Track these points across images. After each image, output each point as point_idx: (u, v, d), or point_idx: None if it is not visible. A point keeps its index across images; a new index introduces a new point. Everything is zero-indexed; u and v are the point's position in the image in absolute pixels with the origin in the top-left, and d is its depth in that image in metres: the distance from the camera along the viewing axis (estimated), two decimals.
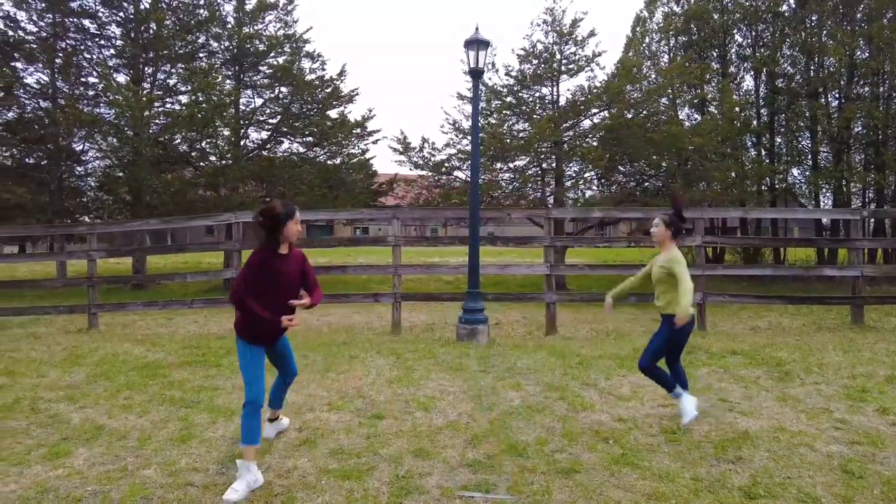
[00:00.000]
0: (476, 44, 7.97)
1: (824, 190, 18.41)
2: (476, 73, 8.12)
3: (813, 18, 18.20)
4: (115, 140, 15.02)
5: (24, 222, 14.38)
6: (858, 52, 17.85)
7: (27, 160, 16.42)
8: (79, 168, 16.19)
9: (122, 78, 16.35)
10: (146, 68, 16.40)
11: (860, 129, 18.07)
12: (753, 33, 19.35)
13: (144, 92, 15.36)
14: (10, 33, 15.66)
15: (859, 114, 17.15)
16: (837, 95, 18.14)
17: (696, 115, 19.43)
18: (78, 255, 9.76)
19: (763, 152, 18.87)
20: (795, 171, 19.79)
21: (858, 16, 17.75)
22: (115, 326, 9.59)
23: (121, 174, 14.98)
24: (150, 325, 9.94)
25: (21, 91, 15.61)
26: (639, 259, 23.73)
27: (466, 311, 7.86)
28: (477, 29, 8.05)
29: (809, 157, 18.59)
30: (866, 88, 18.42)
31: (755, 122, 18.83)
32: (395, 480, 3.31)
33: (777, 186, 18.08)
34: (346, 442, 3.94)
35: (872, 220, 18.59)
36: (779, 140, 19.11)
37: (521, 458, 3.61)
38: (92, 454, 3.75)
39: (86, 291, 9.05)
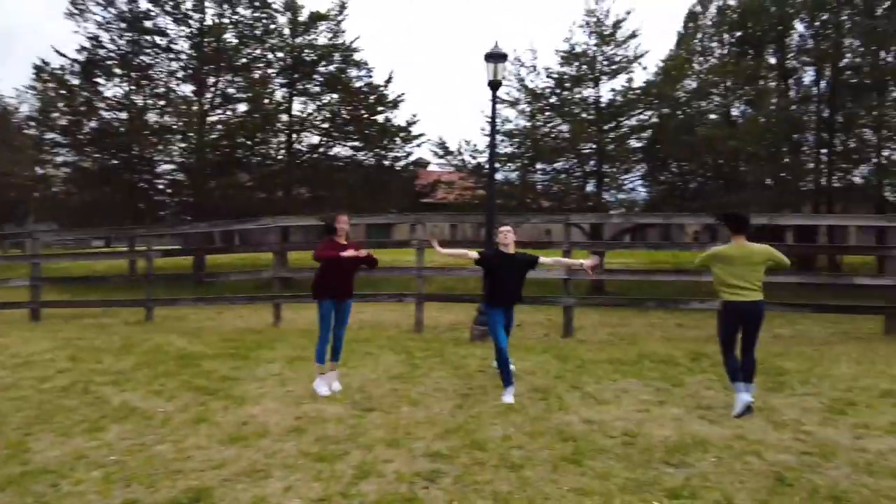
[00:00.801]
0: (495, 58, 8.33)
1: (889, 190, 17.41)
2: (494, 85, 8.47)
3: (885, 5, 17.19)
4: (180, 146, 16.34)
5: (103, 221, 15.94)
6: None
7: (107, 165, 18.09)
8: (148, 176, 17.66)
9: (187, 88, 17.73)
10: (208, 79, 17.69)
11: None
12: (816, 24, 18.46)
13: (206, 100, 16.59)
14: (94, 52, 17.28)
15: None
16: None
17: (752, 112, 18.81)
18: (138, 255, 10.87)
19: (822, 151, 18.03)
20: (864, 169, 18.79)
21: None
22: (169, 319, 10.62)
23: (183, 178, 16.31)
24: (200, 318, 10.92)
25: (102, 104, 17.23)
26: (689, 260, 23.14)
27: (481, 313, 8.25)
28: (496, 43, 8.41)
29: (873, 155, 17.61)
30: None
31: (815, 119, 18.02)
32: (361, 465, 3.80)
33: (833, 186, 17.24)
34: (333, 431, 4.46)
35: None
36: (841, 137, 18.19)
37: (479, 452, 4.01)
38: (121, 431, 4.45)
39: (146, 286, 10.10)
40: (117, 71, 17.47)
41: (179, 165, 16.58)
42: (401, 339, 8.48)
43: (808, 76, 18.76)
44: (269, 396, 5.36)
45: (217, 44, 16.66)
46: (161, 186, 17.56)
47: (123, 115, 17.47)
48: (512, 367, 5.64)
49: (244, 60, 17.34)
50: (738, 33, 18.88)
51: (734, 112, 18.44)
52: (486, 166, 16.53)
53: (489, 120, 16.74)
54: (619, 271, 13.91)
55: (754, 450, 4.05)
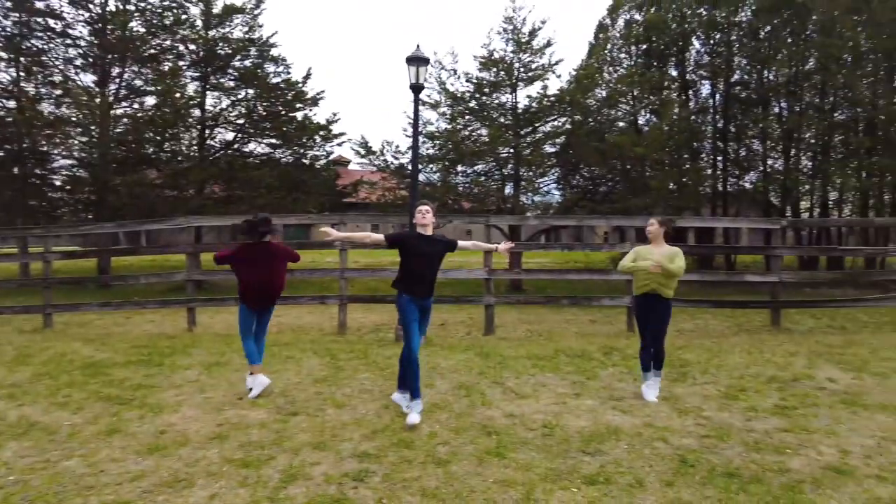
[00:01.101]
0: (417, 61, 8.42)
1: (773, 195, 19.22)
2: (416, 88, 8.57)
3: (766, 29, 18.93)
4: (80, 140, 15.19)
5: None
6: (809, 64, 18.64)
7: None
8: (39, 171, 16.26)
9: (88, 78, 16.52)
10: (112, 69, 16.56)
11: (809, 136, 18.91)
12: (711, 42, 20.05)
13: (110, 92, 15.54)
14: None
15: (806, 123, 17.96)
16: (785, 105, 18.94)
17: (656, 121, 20.11)
18: (34, 257, 10.04)
19: (717, 158, 19.62)
20: (753, 176, 20.62)
21: (809, 28, 18.52)
22: (71, 325, 9.89)
23: (84, 174, 15.17)
24: (106, 324, 10.24)
25: None
26: (600, 260, 24.40)
27: None
28: (418, 46, 8.51)
29: (760, 163, 19.39)
30: (816, 98, 19.24)
31: (711, 129, 19.57)
32: (287, 469, 3.76)
33: (728, 191, 18.81)
34: (257, 436, 4.38)
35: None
36: (734, 146, 19.87)
37: (406, 451, 4.09)
38: (21, 448, 4.14)
39: (44, 291, 9.34)
40: (2, 55, 15.97)
41: (80, 161, 15.37)
42: (323, 341, 8.38)
43: (705, 89, 20.36)
44: (188, 404, 5.16)
45: (123, 32, 15.60)
46: (58, 183, 16.21)
47: (11, 104, 15.98)
48: (398, 399, 5.07)
49: (153, 51, 16.37)
50: (644, 46, 20.13)
51: (640, 120, 19.64)
52: (409, 167, 16.71)
53: (410, 121, 16.90)
54: (536, 271, 14.41)
55: (661, 436, 4.40)
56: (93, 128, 15.27)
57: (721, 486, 3.52)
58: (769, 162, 19.42)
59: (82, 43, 16.74)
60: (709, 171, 18.52)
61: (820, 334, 9.16)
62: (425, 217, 5.08)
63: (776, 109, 19.09)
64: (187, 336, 8.73)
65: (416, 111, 8.72)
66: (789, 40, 18.41)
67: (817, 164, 18.71)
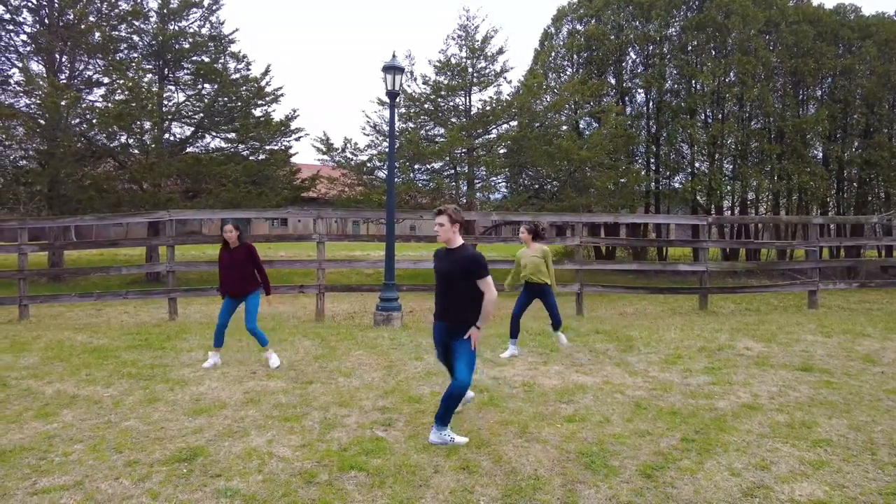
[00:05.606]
0: (393, 69, 9.20)
1: (700, 194, 21.19)
2: (392, 95, 9.35)
3: (693, 44, 20.83)
4: (24, 130, 14.90)
5: None
6: (730, 77, 20.68)
7: None
8: None
9: (34, 66, 16.16)
10: (62, 57, 16.26)
11: (730, 142, 21.00)
12: (645, 53, 21.80)
13: (62, 82, 15.31)
14: None
15: (727, 131, 19.94)
16: (710, 113, 20.92)
17: (596, 125, 21.67)
18: (9, 250, 10.08)
19: (650, 160, 21.40)
20: (681, 177, 22.58)
21: (729, 46, 20.53)
22: (45, 317, 10.03)
23: (38, 167, 14.91)
24: (79, 315, 10.43)
25: None
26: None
27: (383, 300, 9.11)
28: (394, 55, 9.29)
29: (688, 165, 21.31)
30: (736, 108, 21.35)
31: (644, 133, 21.31)
32: (324, 420, 4.53)
33: (660, 190, 20.60)
34: (285, 399, 5.10)
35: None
36: (665, 149, 21.72)
37: (417, 405, 4.94)
38: (76, 414, 4.68)
39: (13, 283, 9.47)
40: None
41: (35, 152, 15.03)
42: (305, 327, 9.03)
43: (640, 96, 22.11)
44: (209, 378, 5.78)
45: (76, 20, 15.36)
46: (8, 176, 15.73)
47: None
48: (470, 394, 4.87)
49: (107, 42, 16.18)
50: (585, 55, 21.63)
51: (581, 124, 21.11)
52: (368, 164, 17.38)
53: (369, 120, 17.48)
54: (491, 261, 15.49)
55: (619, 389, 5.46)
56: (41, 120, 14.97)
57: (668, 420, 4.59)
58: (696, 164, 21.36)
59: (27, 28, 16.34)
60: (643, 172, 20.21)
61: (739, 315, 10.65)
62: (438, 230, 4.19)
63: (702, 117, 21.02)
64: (173, 324, 9.16)
65: (393, 116, 9.47)
66: (714, 54, 20.35)
67: (737, 167, 20.79)
